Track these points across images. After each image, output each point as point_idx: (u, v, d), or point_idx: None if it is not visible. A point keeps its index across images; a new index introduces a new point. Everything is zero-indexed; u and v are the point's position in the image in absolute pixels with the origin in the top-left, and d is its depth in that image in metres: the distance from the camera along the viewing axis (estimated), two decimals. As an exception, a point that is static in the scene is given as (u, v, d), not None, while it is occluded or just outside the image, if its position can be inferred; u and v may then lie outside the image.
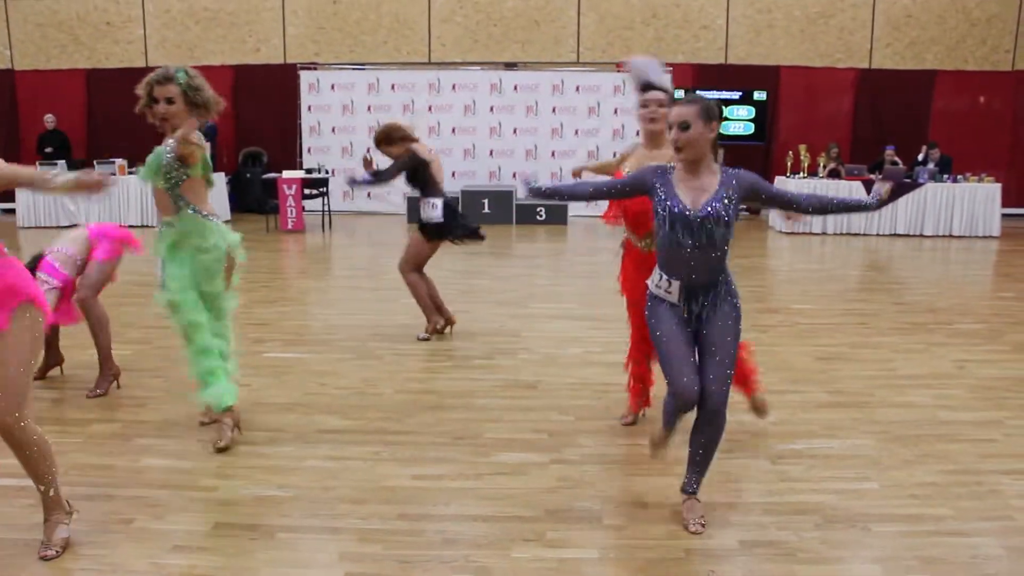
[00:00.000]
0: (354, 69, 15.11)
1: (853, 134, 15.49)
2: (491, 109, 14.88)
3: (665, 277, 3.54)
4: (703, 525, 3.59)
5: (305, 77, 15.01)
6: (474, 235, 6.76)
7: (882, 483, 4.11)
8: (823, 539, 3.53)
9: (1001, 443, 4.65)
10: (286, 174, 13.19)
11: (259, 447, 4.44)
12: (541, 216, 14.09)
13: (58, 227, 12.09)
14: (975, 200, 13.58)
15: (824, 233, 13.40)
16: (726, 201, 3.41)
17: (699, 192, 3.43)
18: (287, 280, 9.54)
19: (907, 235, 13.36)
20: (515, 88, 14.88)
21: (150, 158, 4.25)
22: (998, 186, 13.66)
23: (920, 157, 14.21)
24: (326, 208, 13.46)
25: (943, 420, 4.99)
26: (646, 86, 4.35)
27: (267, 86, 15.29)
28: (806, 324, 7.18)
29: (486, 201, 13.95)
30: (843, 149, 14.67)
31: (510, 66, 15.19)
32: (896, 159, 14.10)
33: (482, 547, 3.43)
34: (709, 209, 3.39)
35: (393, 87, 14.90)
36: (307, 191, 13.39)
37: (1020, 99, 15.52)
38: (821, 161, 13.97)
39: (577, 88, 14.90)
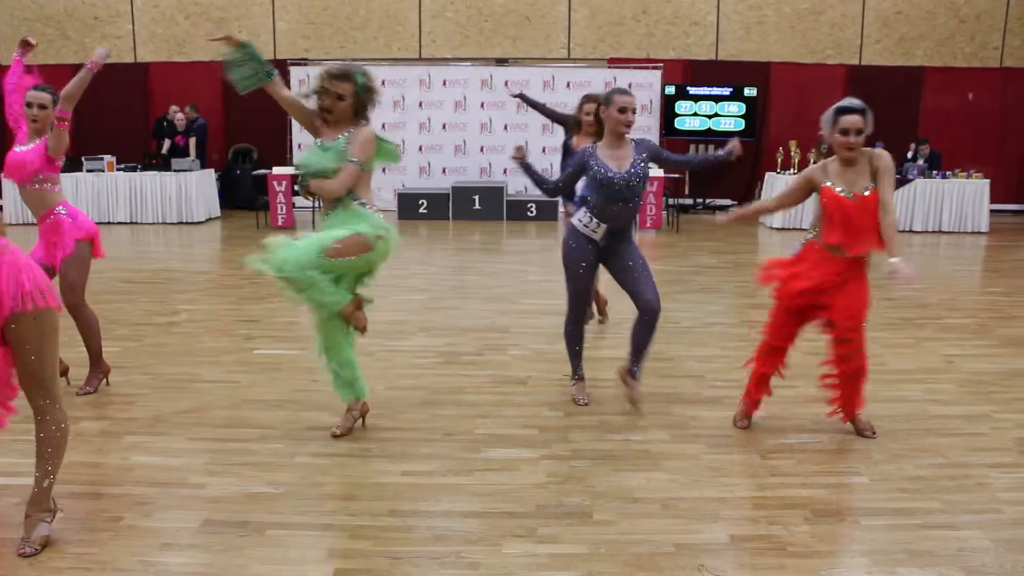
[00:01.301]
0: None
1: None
2: (482, 105, 14.86)
3: (595, 220, 4.73)
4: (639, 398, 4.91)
5: (295, 73, 14.93)
6: None
7: (871, 477, 4.13)
8: (813, 533, 3.55)
9: (989, 437, 4.68)
10: (276, 170, 13.14)
11: (249, 444, 4.42)
12: (532, 212, 14.08)
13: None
14: (964, 196, 13.64)
15: (814, 229, 13.40)
16: (641, 164, 4.67)
17: (623, 160, 4.67)
18: (277, 276, 9.50)
19: (897, 231, 13.36)
20: (506, 84, 14.85)
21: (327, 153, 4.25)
22: (987, 182, 13.72)
23: (910, 154, 14.25)
24: (316, 204, 13.39)
25: (932, 414, 5.01)
26: (843, 109, 4.33)
27: (257, 82, 15.21)
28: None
29: (477, 197, 13.93)
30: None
31: (501, 62, 15.17)
32: (886, 155, 14.12)
33: (472, 543, 3.42)
34: (633, 170, 4.65)
35: (384, 83, 14.77)
36: (297, 188, 13.33)
37: (1008, 96, 15.59)
38: (811, 157, 13.94)
39: (568, 84, 14.89)
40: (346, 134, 4.24)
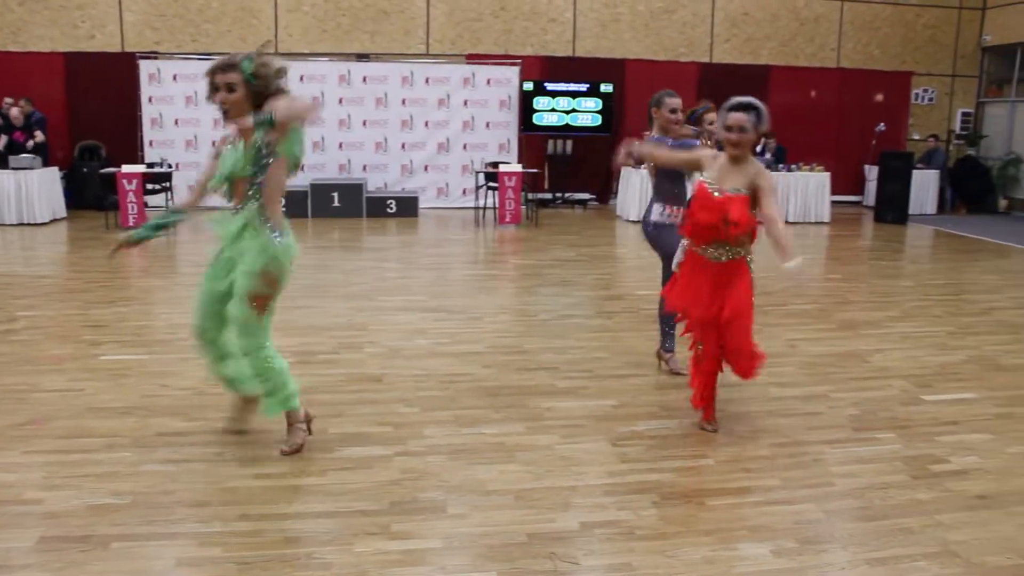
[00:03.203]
0: (198, 59, 14.58)
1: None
2: (340, 101, 14.65)
3: (671, 208, 5.49)
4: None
5: (145, 66, 14.37)
6: None
7: (717, 459, 4.31)
8: (660, 516, 3.67)
9: (825, 415, 4.96)
10: (126, 168, 12.58)
11: (92, 454, 4.23)
12: (391, 209, 13.99)
13: None
14: (808, 188, 14.38)
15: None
16: None
17: None
18: (127, 279, 9.13)
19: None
20: (364, 80, 14.70)
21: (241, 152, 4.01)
22: (828, 175, 14.52)
23: (759, 148, 14.87)
24: (169, 204, 12.95)
25: (774, 396, 5.27)
26: (730, 107, 4.42)
27: (104, 75, 14.52)
28: (649, 310, 7.37)
29: (336, 194, 13.73)
30: (687, 140, 15.18)
31: (362, 57, 15.00)
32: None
33: (325, 544, 3.39)
34: None
35: (238, 77, 14.43)
36: (149, 186, 12.86)
37: (844, 94, 16.50)
38: (665, 152, 14.40)
39: (427, 80, 14.86)
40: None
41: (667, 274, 5.46)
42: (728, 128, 4.41)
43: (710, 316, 4.55)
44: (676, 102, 5.47)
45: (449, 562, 3.29)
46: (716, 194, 4.41)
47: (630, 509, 3.73)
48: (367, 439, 4.46)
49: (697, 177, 4.66)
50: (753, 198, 4.43)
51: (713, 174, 4.48)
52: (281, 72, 4.07)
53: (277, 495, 3.82)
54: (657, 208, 5.60)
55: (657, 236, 5.60)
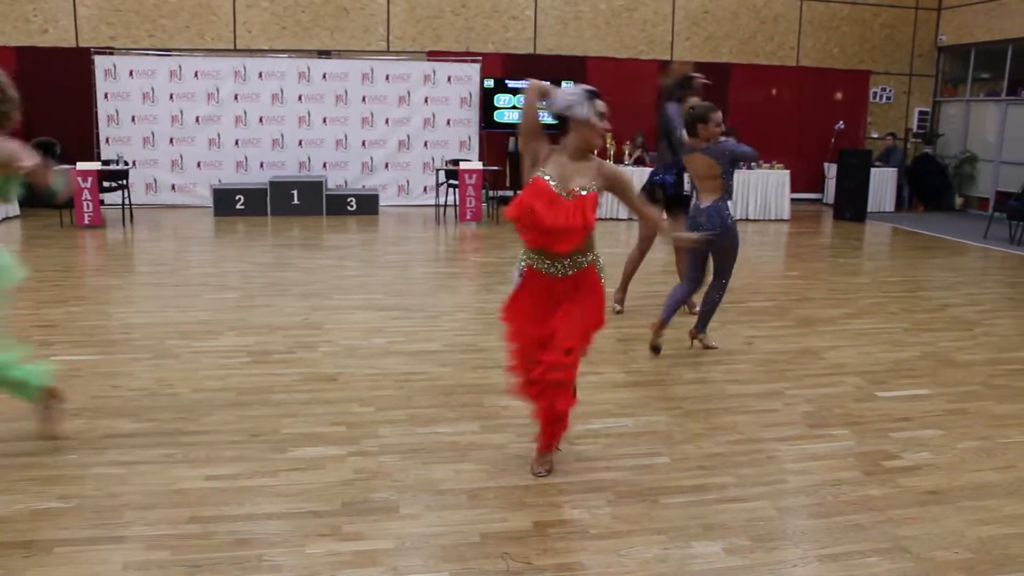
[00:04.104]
0: (155, 55, 14.38)
1: (657, 123, 16.09)
2: (300, 98, 14.51)
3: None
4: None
5: (100, 62, 14.13)
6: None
7: (672, 457, 4.31)
8: (614, 514, 3.67)
9: (781, 412, 4.99)
10: (81, 166, 12.38)
11: (39, 457, 4.15)
12: (352, 207, 13.89)
13: None
14: (768, 186, 14.49)
15: (630, 219, 13.85)
16: None
17: None
18: (81, 278, 8.97)
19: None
20: (324, 77, 14.58)
21: None
22: (787, 172, 14.64)
23: (718, 145, 14.95)
24: (127, 201, 12.76)
25: (731, 394, 5.29)
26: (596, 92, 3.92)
27: (58, 71, 14.27)
28: (607, 307, 7.39)
29: (295, 192, 13.60)
30: (648, 137, 15.23)
31: (322, 54, 14.87)
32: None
33: (276, 545, 3.35)
34: None
35: (197, 74, 14.26)
36: (105, 183, 12.66)
37: (804, 92, 16.65)
38: (627, 149, 14.48)
39: (387, 77, 14.76)
40: None
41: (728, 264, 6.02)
42: (601, 115, 3.88)
43: (545, 334, 3.93)
44: (720, 116, 5.85)
45: (401, 563, 3.26)
46: (564, 195, 3.83)
47: (584, 508, 3.72)
48: (320, 439, 4.41)
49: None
50: (602, 193, 3.91)
51: (553, 171, 3.90)
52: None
53: (228, 496, 3.76)
54: (729, 206, 5.98)
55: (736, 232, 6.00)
